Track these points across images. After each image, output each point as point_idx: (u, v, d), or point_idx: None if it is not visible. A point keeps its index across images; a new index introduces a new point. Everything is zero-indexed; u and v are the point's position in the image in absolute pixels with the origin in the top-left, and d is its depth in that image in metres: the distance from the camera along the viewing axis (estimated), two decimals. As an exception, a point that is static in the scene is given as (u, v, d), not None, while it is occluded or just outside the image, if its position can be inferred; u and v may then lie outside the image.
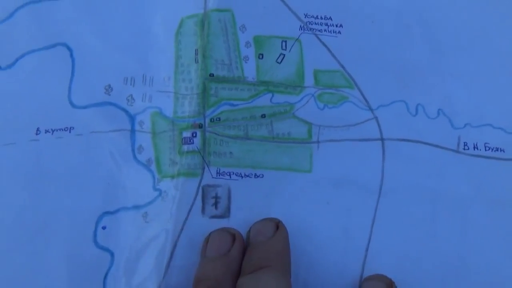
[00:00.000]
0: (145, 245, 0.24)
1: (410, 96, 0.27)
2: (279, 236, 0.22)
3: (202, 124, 0.25)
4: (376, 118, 0.26)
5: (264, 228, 0.23)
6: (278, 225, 0.23)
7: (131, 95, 0.25)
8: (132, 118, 0.25)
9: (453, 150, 0.26)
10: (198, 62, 0.25)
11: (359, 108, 0.26)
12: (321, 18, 0.27)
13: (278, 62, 0.26)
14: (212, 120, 0.25)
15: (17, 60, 0.26)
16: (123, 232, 0.24)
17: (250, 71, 0.26)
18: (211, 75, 0.25)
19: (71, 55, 0.26)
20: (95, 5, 0.26)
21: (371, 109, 0.26)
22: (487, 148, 0.26)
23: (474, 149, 0.26)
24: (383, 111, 0.26)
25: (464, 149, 0.26)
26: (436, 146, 0.26)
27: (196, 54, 0.25)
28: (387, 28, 0.27)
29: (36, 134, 0.25)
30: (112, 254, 0.24)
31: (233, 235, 0.23)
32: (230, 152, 0.25)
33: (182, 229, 0.24)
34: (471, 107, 0.27)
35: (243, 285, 0.20)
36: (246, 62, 0.26)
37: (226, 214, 0.24)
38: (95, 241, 0.24)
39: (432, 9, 0.28)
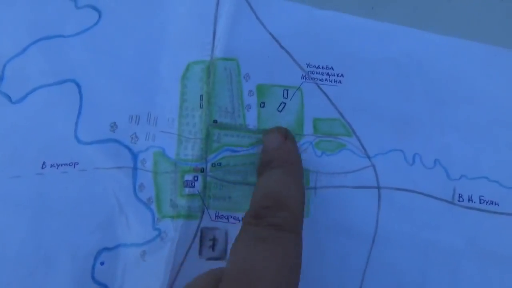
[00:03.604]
0: (142, 284, 0.24)
1: (407, 145, 0.27)
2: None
3: (204, 169, 0.26)
4: (373, 166, 0.27)
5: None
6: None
7: (135, 133, 0.26)
8: (134, 156, 0.26)
9: (447, 201, 0.27)
10: (202, 107, 0.27)
11: (356, 155, 0.27)
12: (323, 67, 0.28)
13: (279, 111, 0.27)
14: (214, 165, 0.26)
15: (27, 94, 0.26)
16: (121, 269, 0.25)
17: (251, 119, 0.27)
18: (215, 121, 0.26)
19: (80, 92, 0.26)
20: (105, 45, 0.27)
21: (368, 157, 0.27)
22: (481, 201, 0.27)
23: (468, 201, 0.27)
24: (380, 159, 0.27)
25: (458, 200, 0.27)
26: (431, 196, 0.27)
27: (201, 99, 0.27)
28: (387, 78, 0.28)
29: (42, 168, 0.25)
30: None
31: (284, 134, 0.25)
32: (229, 197, 0.26)
33: (179, 270, 0.25)
34: (467, 159, 0.27)
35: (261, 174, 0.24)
36: (248, 111, 0.27)
37: (223, 256, 0.25)
38: (93, 277, 0.24)
39: (431, 61, 0.28)
